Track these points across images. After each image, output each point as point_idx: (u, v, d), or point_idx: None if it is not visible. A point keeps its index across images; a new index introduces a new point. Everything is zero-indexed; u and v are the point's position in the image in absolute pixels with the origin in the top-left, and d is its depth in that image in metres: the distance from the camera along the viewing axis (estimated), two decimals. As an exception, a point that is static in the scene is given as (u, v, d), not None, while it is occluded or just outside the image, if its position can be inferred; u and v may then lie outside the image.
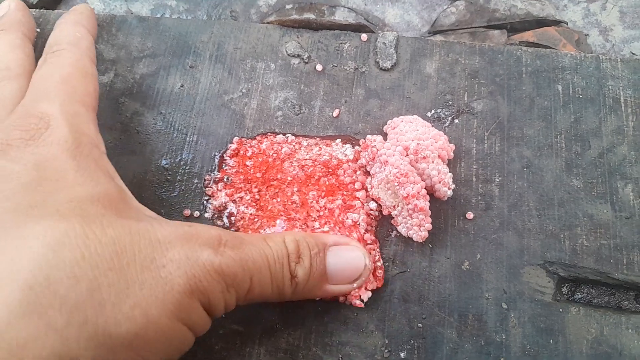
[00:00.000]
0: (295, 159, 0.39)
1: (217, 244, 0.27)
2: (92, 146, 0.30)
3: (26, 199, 0.26)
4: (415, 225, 0.35)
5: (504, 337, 0.34)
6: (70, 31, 0.37)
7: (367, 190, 0.37)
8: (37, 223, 0.24)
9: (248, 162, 0.39)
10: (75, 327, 0.22)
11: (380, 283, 0.35)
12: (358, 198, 0.37)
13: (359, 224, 0.36)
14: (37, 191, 0.26)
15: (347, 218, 0.36)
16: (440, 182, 0.36)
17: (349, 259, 0.33)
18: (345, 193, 0.37)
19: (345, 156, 0.38)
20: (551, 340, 0.34)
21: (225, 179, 0.38)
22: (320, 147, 0.39)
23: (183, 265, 0.26)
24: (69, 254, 0.23)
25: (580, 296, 0.36)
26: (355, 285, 0.33)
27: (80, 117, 0.31)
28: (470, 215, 0.37)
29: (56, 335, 0.22)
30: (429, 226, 0.35)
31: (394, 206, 0.36)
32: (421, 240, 0.35)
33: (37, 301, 0.22)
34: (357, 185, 0.37)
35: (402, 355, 0.34)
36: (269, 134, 0.40)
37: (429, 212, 0.35)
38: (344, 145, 0.39)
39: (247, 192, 0.38)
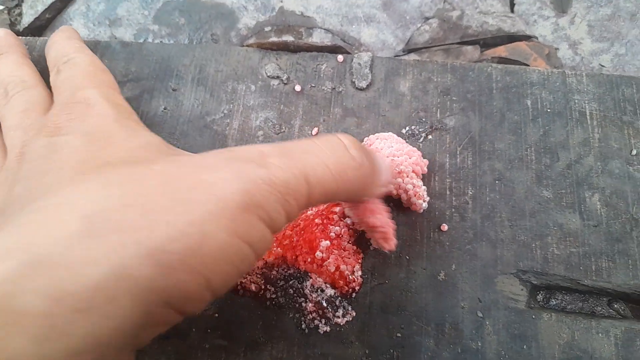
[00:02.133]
0: None
1: (259, 158, 0.27)
2: (130, 112, 0.35)
3: (78, 158, 0.29)
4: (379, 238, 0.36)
5: (479, 344, 0.36)
6: (70, 44, 0.41)
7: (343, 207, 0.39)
8: (89, 173, 0.27)
9: None
10: (132, 246, 0.23)
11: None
12: (335, 212, 0.38)
13: (341, 236, 0.38)
14: (88, 151, 0.29)
15: (330, 231, 0.38)
16: (415, 196, 0.38)
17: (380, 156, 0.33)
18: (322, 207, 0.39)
19: None
20: (525, 346, 0.35)
21: None
22: None
23: (234, 181, 0.26)
24: (119, 188, 0.25)
25: (554, 303, 0.38)
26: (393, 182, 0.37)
27: (113, 96, 0.36)
28: (444, 227, 0.39)
29: (113, 255, 0.22)
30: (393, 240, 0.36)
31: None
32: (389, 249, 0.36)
33: (94, 227, 0.23)
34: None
35: (381, 364, 0.35)
36: None
37: (387, 222, 0.35)
38: None
39: None
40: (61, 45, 0.40)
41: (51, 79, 0.38)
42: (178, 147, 0.41)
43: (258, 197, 0.26)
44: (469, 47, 0.52)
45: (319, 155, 0.28)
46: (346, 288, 0.37)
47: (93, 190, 0.25)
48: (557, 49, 0.52)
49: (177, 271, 0.23)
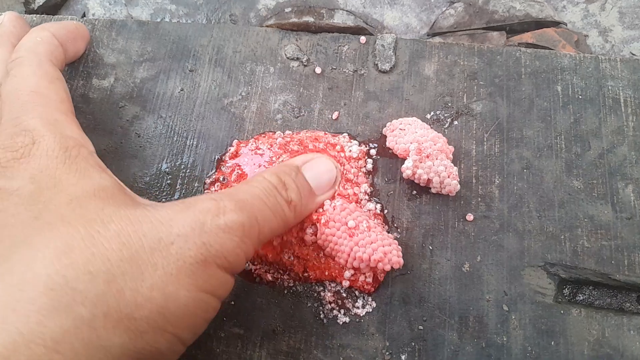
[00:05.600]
0: (296, 140, 0.39)
1: (215, 206, 0.28)
2: (80, 147, 0.31)
3: (29, 211, 0.27)
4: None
5: (505, 339, 0.34)
6: (31, 37, 0.37)
7: (366, 193, 0.37)
8: (44, 232, 0.26)
9: (243, 159, 0.39)
10: (101, 317, 0.24)
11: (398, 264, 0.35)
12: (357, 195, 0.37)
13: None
14: (38, 202, 0.27)
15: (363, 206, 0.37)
16: (449, 176, 0.36)
17: (322, 168, 0.36)
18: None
19: (350, 152, 0.38)
20: (552, 342, 0.34)
21: (221, 179, 0.38)
22: (325, 134, 0.40)
23: (190, 237, 0.27)
24: (80, 254, 0.25)
25: (582, 297, 0.36)
26: (335, 187, 0.36)
27: (60, 123, 0.32)
28: (470, 217, 0.37)
29: (85, 327, 0.23)
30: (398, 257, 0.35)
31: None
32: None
33: (61, 299, 0.23)
34: (358, 186, 0.37)
35: (403, 357, 0.34)
36: (267, 132, 0.40)
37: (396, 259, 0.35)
38: (350, 140, 0.39)
39: None
40: (25, 37, 0.37)
41: (3, 80, 0.35)
42: (195, 130, 0.40)
43: (216, 247, 0.27)
44: (495, 33, 0.50)
45: (263, 199, 0.31)
46: (365, 288, 0.35)
47: (53, 257, 0.24)
48: (586, 36, 0.50)
49: (146, 334, 0.25)
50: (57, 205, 0.27)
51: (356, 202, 0.37)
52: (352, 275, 0.35)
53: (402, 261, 0.35)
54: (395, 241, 0.35)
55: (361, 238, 0.34)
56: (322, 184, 0.35)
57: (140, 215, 0.27)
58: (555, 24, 0.50)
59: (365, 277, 0.35)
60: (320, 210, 0.35)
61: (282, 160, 0.37)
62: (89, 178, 0.29)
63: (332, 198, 0.36)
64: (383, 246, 0.34)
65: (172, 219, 0.27)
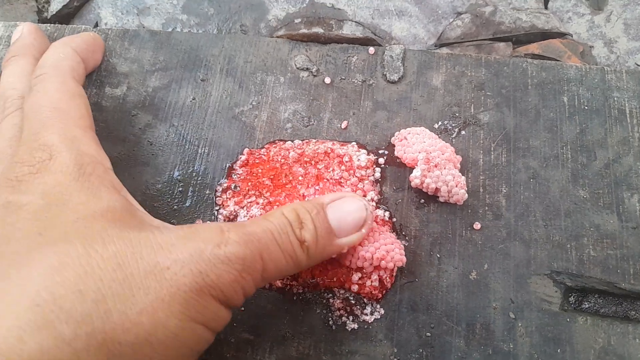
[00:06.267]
0: (306, 153, 0.39)
1: (219, 236, 0.28)
2: (95, 164, 0.31)
3: (35, 226, 0.27)
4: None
5: (511, 346, 0.35)
6: (54, 53, 0.38)
7: (374, 201, 0.38)
8: (44, 248, 0.25)
9: (256, 169, 0.39)
10: (84, 337, 0.23)
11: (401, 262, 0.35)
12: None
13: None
14: (45, 218, 0.27)
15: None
16: (457, 185, 0.37)
17: (349, 209, 0.33)
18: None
19: (358, 161, 0.39)
20: (559, 350, 0.34)
21: (232, 187, 0.39)
22: (333, 143, 0.40)
23: (187, 263, 0.26)
24: (72, 272, 0.24)
25: (587, 306, 0.37)
26: (364, 230, 0.33)
27: (78, 140, 0.32)
28: (477, 225, 0.38)
29: (66, 347, 0.23)
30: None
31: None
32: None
33: (45, 317, 0.23)
34: (364, 193, 0.38)
35: (410, 364, 0.34)
36: (277, 141, 0.41)
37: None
38: (359, 149, 0.40)
39: (256, 196, 0.38)
40: (48, 52, 0.38)
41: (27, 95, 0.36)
42: (207, 138, 0.40)
43: (212, 277, 0.26)
44: (501, 44, 0.50)
45: (274, 234, 0.29)
46: (372, 295, 0.36)
47: (47, 274, 0.24)
48: (591, 47, 0.51)
49: None
50: (62, 222, 0.27)
51: None
52: (360, 279, 0.35)
53: (404, 259, 0.35)
54: (398, 240, 0.36)
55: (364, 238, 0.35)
56: (346, 226, 0.32)
57: (143, 239, 0.27)
58: (561, 35, 0.51)
59: (372, 281, 0.35)
60: None
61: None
62: (99, 198, 0.29)
63: (361, 244, 0.34)
64: (385, 245, 0.34)
65: (173, 244, 0.27)
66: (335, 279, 0.36)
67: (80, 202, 0.28)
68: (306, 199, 0.36)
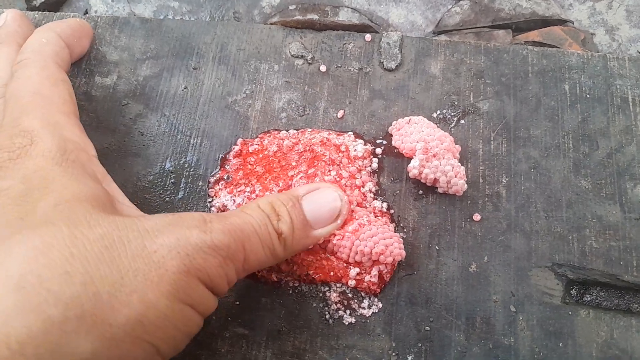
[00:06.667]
0: (301, 142, 0.38)
1: (203, 224, 0.28)
2: (79, 151, 0.31)
3: (15, 211, 0.26)
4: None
5: (512, 340, 0.34)
6: (36, 38, 0.37)
7: (371, 192, 0.37)
8: (25, 232, 0.25)
9: (250, 159, 0.38)
10: (74, 320, 0.23)
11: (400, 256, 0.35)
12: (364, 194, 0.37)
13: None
14: (26, 202, 0.27)
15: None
16: (456, 176, 0.36)
17: (324, 200, 0.33)
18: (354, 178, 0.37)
19: (355, 151, 0.38)
20: (560, 344, 0.34)
21: (225, 177, 0.38)
22: (330, 133, 0.39)
23: (174, 247, 0.26)
24: (58, 253, 0.24)
25: (589, 298, 0.36)
26: (339, 221, 0.34)
27: (61, 126, 0.31)
28: (477, 217, 0.37)
29: (54, 330, 0.22)
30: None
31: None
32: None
33: (31, 299, 0.22)
34: (362, 183, 0.37)
35: (409, 358, 0.33)
36: (271, 130, 0.40)
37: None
38: (356, 139, 0.39)
39: (244, 185, 0.37)
40: (31, 37, 0.37)
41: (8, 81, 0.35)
42: (199, 128, 0.39)
43: (199, 261, 0.26)
44: (501, 32, 0.49)
45: (254, 226, 0.30)
46: (370, 290, 0.35)
47: (31, 257, 0.24)
48: (593, 34, 0.50)
49: (122, 342, 0.24)
50: (44, 206, 0.26)
51: (362, 199, 0.36)
52: (358, 274, 0.34)
53: (404, 253, 0.34)
54: (397, 234, 0.35)
55: (362, 232, 0.34)
56: (321, 217, 0.33)
57: (128, 223, 0.27)
58: (562, 22, 0.50)
59: (371, 276, 0.34)
60: None
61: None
62: (83, 184, 0.29)
63: (337, 234, 0.34)
64: (384, 239, 0.34)
65: (158, 229, 0.27)
66: (332, 274, 0.35)
67: (63, 187, 0.28)
68: (284, 191, 0.36)
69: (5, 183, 0.27)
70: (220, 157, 0.39)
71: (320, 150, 0.37)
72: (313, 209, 0.33)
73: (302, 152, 0.37)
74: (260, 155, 0.38)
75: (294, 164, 0.37)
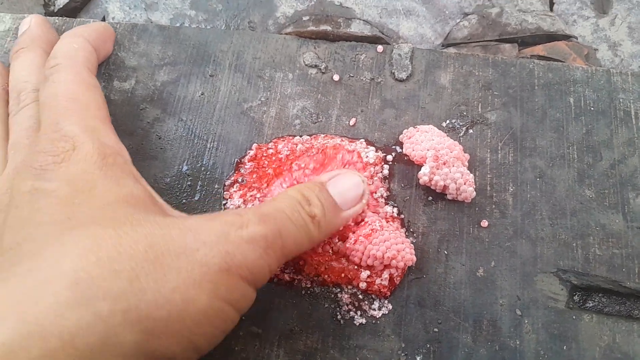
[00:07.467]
0: (315, 147, 0.39)
1: (239, 219, 0.29)
2: (116, 155, 0.32)
3: (63, 212, 0.28)
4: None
5: (518, 342, 0.35)
6: (67, 43, 0.38)
7: (383, 197, 0.38)
8: (75, 232, 0.26)
9: (263, 162, 0.39)
10: (120, 314, 0.24)
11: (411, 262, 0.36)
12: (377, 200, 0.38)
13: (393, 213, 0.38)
14: (73, 204, 0.28)
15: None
16: (465, 183, 0.37)
17: (348, 183, 0.35)
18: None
19: (367, 157, 0.39)
20: (564, 347, 0.35)
21: (239, 180, 0.39)
22: (342, 139, 0.40)
23: (215, 245, 0.27)
24: (106, 252, 0.25)
25: (591, 304, 0.37)
26: (364, 201, 0.36)
27: (99, 131, 0.33)
28: (485, 223, 0.38)
29: (102, 323, 0.23)
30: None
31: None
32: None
33: (84, 294, 0.24)
34: (375, 189, 0.38)
35: (418, 358, 0.34)
36: (285, 136, 0.41)
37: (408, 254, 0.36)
38: (367, 146, 0.40)
39: (257, 189, 0.38)
40: (60, 42, 0.38)
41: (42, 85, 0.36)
42: (215, 133, 0.41)
43: (239, 257, 0.27)
44: (507, 45, 0.51)
45: (287, 213, 0.31)
46: (381, 292, 0.36)
47: (82, 255, 0.25)
48: (596, 49, 0.51)
49: (162, 336, 0.25)
50: (90, 207, 0.28)
51: (376, 204, 0.38)
52: (369, 277, 0.35)
53: (414, 258, 0.36)
54: (408, 239, 0.36)
55: (375, 237, 0.35)
56: (348, 199, 0.35)
57: (170, 222, 0.28)
58: (566, 37, 0.51)
59: (382, 279, 0.36)
60: None
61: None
62: (123, 186, 0.30)
63: (363, 213, 0.36)
64: (396, 244, 0.35)
65: (199, 228, 0.28)
66: (343, 276, 0.36)
67: (106, 189, 0.29)
68: (306, 179, 0.38)
69: (52, 185, 0.29)
70: (235, 161, 0.40)
71: (332, 153, 0.38)
72: (340, 192, 0.34)
73: (314, 155, 0.39)
74: (274, 158, 0.39)
75: (302, 165, 0.38)
